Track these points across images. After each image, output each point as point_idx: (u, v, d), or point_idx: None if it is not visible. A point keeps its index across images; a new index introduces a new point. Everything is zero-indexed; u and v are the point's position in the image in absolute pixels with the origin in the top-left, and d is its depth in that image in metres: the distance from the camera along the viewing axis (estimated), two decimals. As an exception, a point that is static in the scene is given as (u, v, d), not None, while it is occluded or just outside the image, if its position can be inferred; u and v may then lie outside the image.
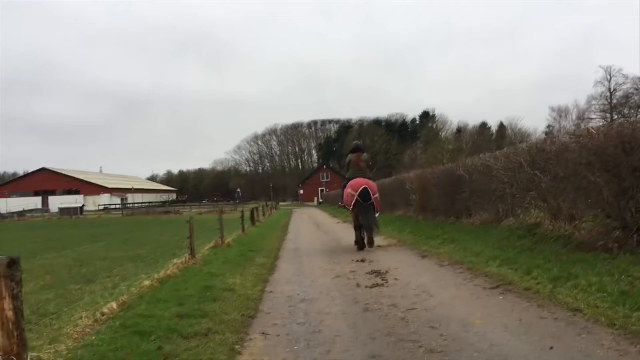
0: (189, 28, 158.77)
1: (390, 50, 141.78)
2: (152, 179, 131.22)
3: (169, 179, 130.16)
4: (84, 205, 60.46)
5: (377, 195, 10.64)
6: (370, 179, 11.01)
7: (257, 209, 24.84)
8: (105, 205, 71.81)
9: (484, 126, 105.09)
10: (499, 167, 9.94)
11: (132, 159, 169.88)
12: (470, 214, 11.98)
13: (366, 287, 6.60)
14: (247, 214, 20.55)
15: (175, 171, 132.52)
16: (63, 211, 53.46)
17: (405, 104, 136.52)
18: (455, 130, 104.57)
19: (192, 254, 9.38)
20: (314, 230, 19.59)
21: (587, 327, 4.11)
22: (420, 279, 6.97)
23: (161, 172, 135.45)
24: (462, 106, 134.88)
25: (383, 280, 7.05)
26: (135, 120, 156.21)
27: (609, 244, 6.28)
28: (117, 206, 72.32)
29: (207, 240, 13.47)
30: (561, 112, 73.73)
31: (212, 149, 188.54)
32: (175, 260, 8.91)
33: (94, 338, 4.35)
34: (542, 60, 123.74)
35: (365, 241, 10.70)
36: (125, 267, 9.92)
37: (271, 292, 6.72)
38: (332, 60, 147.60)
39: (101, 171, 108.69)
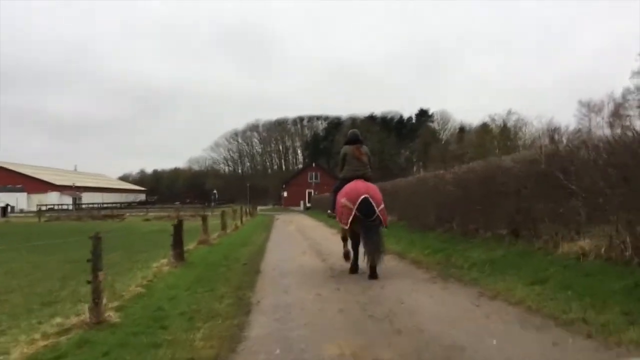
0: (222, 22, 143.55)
1: (425, 52, 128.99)
2: (124, 178, 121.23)
3: (141, 178, 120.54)
4: (7, 205, 48.40)
5: (382, 206, 7.50)
6: (371, 179, 8.03)
7: (204, 218, 13.47)
8: (49, 205, 59.77)
9: (485, 126, 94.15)
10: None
11: (132, 157, 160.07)
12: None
13: None
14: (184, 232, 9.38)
15: (149, 170, 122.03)
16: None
17: (421, 106, 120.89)
18: (457, 130, 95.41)
19: None
20: (327, 284, 8.20)
21: None
22: None
23: (134, 170, 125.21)
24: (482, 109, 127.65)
25: None
26: (147, 119, 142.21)
27: None
28: (69, 207, 60.54)
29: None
30: (592, 108, 63.45)
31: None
32: None
33: None
34: (574, 62, 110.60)
35: (367, 270, 7.32)
36: None
37: None
38: (363, 59, 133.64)
39: (75, 169, 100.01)
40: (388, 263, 9.01)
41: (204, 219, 13.27)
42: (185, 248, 11.47)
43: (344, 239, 8.29)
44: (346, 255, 8.18)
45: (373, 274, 7.22)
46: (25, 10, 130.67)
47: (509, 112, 75.74)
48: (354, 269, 7.90)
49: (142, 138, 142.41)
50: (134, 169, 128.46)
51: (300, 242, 14.77)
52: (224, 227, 16.92)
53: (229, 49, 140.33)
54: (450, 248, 9.03)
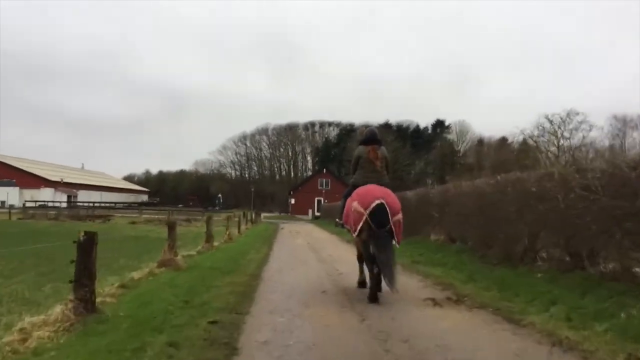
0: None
1: (449, 67, 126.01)
2: (129, 178, 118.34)
3: (146, 179, 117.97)
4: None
5: (399, 216, 6.59)
6: (387, 185, 7.09)
7: (171, 226, 9.07)
8: (41, 201, 56.02)
9: (504, 140, 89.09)
10: None
11: (141, 158, 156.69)
12: None
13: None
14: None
15: (155, 171, 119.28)
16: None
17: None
18: (475, 142, 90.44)
19: None
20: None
21: None
22: None
23: (140, 170, 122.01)
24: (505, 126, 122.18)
25: None
26: (158, 121, 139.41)
27: None
28: (62, 204, 56.66)
29: None
30: (628, 122, 58.69)
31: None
32: None
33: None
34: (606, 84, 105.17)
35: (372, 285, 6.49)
36: None
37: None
38: (384, 71, 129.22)
39: (83, 167, 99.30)
40: (504, 335, 4.61)
41: (171, 228, 8.88)
42: (130, 275, 7.17)
43: (360, 260, 7.46)
44: (362, 285, 7.34)
45: (374, 294, 6.42)
46: (45, 7, 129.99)
47: (570, 113, 61.37)
48: (374, 294, 6.42)
49: (151, 139, 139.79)
50: (140, 169, 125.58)
51: (313, 266, 10.37)
52: (209, 238, 12.53)
53: (249, 54, 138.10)
54: (620, 311, 4.60)
